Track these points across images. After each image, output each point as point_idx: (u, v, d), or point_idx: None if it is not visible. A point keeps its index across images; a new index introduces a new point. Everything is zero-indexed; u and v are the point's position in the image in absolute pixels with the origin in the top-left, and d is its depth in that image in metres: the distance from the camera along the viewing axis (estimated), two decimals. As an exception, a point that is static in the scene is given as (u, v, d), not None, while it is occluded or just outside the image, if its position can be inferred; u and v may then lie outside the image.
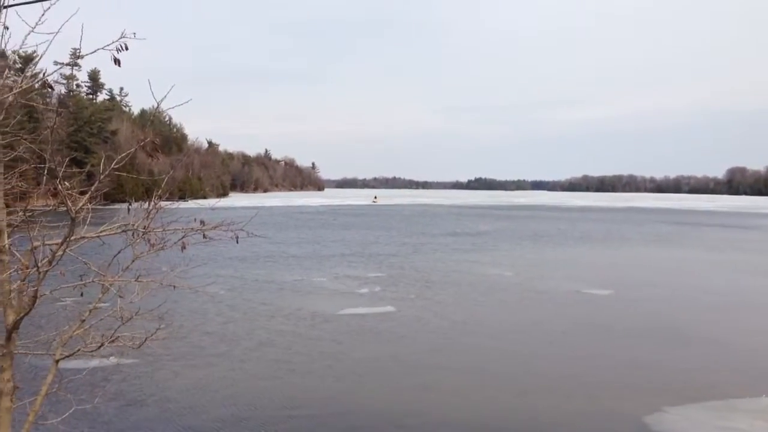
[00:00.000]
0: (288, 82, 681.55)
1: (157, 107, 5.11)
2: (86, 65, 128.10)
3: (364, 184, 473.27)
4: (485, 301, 23.78)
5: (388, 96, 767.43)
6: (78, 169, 6.52)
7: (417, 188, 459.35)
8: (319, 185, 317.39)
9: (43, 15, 4.69)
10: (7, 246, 4.85)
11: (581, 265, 35.85)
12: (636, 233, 61.18)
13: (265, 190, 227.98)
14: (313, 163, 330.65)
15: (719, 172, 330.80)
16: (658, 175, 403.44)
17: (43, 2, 4.76)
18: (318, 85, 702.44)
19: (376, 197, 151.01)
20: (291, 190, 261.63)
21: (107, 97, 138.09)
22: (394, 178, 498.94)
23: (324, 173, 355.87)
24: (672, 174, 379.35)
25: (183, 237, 5.41)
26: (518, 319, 20.87)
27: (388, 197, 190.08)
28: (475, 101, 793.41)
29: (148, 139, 5.45)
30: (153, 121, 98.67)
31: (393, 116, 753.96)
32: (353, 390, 13.59)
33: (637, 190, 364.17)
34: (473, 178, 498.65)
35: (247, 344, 16.90)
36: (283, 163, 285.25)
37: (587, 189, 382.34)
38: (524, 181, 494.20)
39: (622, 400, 13.07)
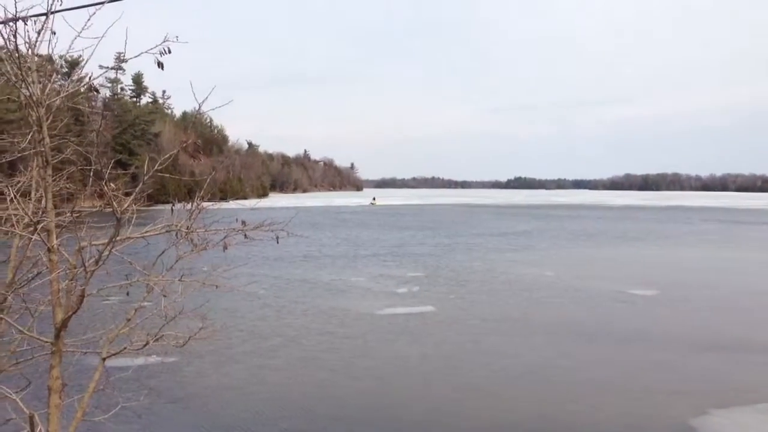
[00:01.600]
0: (328, 82, 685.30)
1: (199, 109, 5.18)
2: (130, 69, 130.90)
3: (403, 183, 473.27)
4: (525, 302, 23.52)
5: (429, 96, 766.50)
6: (123, 171, 6.66)
7: (456, 188, 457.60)
8: (358, 185, 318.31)
9: (89, 20, 4.78)
10: (55, 246, 4.96)
11: (623, 265, 35.21)
12: (680, 232, 59.89)
13: (305, 191, 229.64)
14: (352, 164, 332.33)
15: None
16: (704, 173, 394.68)
17: (89, 7, 4.87)
18: (358, 86, 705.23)
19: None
20: (330, 191, 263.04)
21: (150, 100, 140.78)
22: (433, 177, 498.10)
23: (363, 173, 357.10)
24: (718, 172, 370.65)
25: (225, 237, 5.47)
26: (559, 320, 20.58)
27: (426, 197, 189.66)
28: (515, 100, 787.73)
29: (191, 140, 5.53)
30: (195, 123, 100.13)
31: (432, 116, 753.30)
32: (395, 390, 13.57)
33: (682, 188, 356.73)
34: (513, 178, 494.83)
35: (287, 344, 17.04)
36: (322, 163, 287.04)
37: (630, 188, 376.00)
38: (565, 180, 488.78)
39: (667, 403, 12.79)
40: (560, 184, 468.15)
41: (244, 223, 5.50)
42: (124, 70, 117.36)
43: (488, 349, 16.84)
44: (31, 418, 4.87)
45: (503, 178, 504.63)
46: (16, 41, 4.56)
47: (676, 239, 52.13)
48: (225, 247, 5.38)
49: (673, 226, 68.24)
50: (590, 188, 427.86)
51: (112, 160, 6.13)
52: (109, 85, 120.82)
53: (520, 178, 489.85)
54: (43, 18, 4.71)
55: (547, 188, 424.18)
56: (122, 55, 5.29)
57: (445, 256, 38.10)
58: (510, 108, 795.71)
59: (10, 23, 4.45)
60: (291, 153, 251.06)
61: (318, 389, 13.49)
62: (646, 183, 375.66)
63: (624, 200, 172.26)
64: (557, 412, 12.36)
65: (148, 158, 5.40)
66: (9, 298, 5.84)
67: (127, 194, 5.29)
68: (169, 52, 4.86)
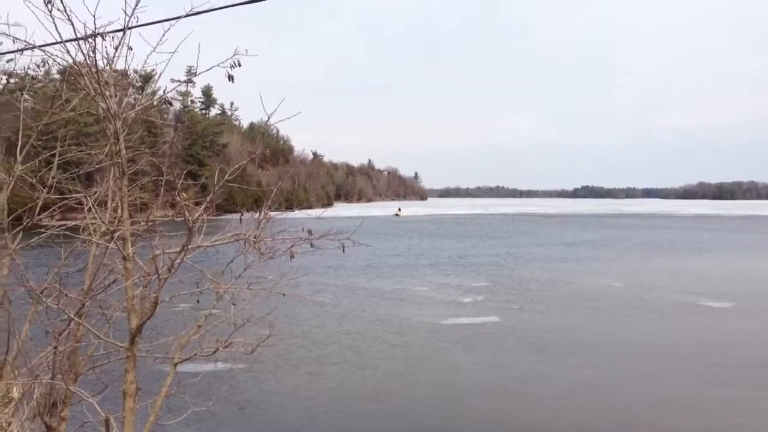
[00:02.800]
0: (392, 91, 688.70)
1: (268, 120, 5.27)
2: (200, 81, 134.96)
3: (467, 193, 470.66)
4: (591, 313, 22.95)
5: (494, 105, 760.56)
6: (193, 182, 6.84)
7: (521, 197, 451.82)
8: (422, 195, 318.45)
9: (163, 35, 4.94)
10: (131, 254, 5.12)
11: (696, 276, 33.95)
12: (757, 242, 57.39)
13: (369, 200, 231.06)
14: (416, 173, 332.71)
15: None
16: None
17: (163, 23, 5.03)
18: (422, 95, 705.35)
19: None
20: (394, 200, 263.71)
21: (219, 112, 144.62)
22: (498, 187, 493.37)
23: (427, 183, 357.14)
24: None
25: (291, 246, 5.54)
26: (629, 333, 19.97)
27: (489, 206, 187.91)
28: (582, 108, 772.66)
29: (259, 150, 5.63)
30: (263, 134, 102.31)
31: (497, 125, 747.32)
32: (452, 401, 13.44)
33: (759, 197, 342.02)
34: (580, 186, 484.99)
35: (353, 353, 17.12)
36: (386, 173, 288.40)
37: (703, 196, 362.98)
38: (634, 189, 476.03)
39: (747, 425, 12.23)
40: (629, 193, 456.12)
41: (310, 232, 5.56)
42: (194, 84, 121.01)
43: (552, 359, 16.49)
44: (107, 420, 5.03)
45: (570, 187, 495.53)
46: (95, 56, 4.75)
47: (752, 250, 49.97)
48: (292, 256, 5.45)
49: (749, 237, 65.50)
50: (661, 197, 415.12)
51: (184, 171, 6.31)
52: (180, 98, 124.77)
53: (587, 186, 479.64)
54: (119, 34, 4.90)
55: (615, 197, 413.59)
56: (193, 68, 5.43)
57: (509, 266, 37.61)
58: (577, 115, 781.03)
59: (90, 39, 4.64)
60: (355, 162, 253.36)
61: (388, 401, 13.48)
62: (721, 192, 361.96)
63: (697, 209, 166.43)
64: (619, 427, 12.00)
65: (218, 169, 5.51)
66: (87, 304, 6.07)
67: (198, 204, 5.42)
68: (239, 65, 4.98)
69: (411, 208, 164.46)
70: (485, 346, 17.90)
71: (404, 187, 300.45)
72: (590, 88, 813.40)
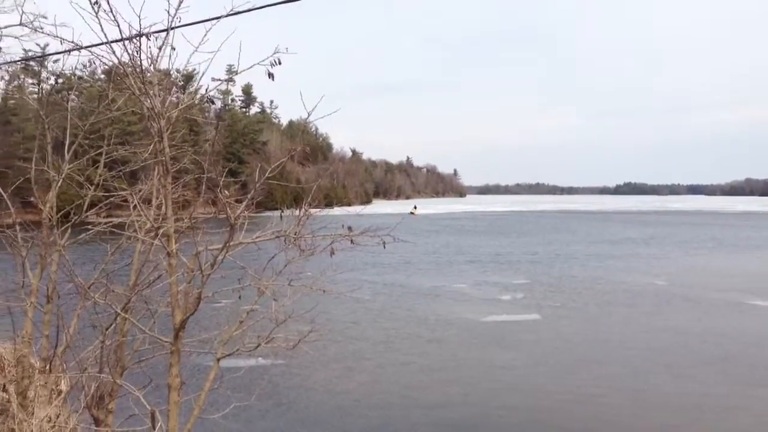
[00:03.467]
0: (431, 89, 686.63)
1: (308, 117, 5.31)
2: (240, 80, 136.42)
3: (506, 190, 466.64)
4: (636, 311, 22.53)
5: (533, 101, 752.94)
6: (233, 179, 6.92)
7: (561, 194, 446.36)
8: (460, 192, 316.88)
9: (205, 35, 5.01)
10: (174, 250, 5.21)
11: (740, 274, 33.08)
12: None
13: (407, 197, 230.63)
14: (455, 170, 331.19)
15: None
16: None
17: (205, 23, 5.10)
18: (461, 92, 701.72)
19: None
20: (432, 197, 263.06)
21: (258, 110, 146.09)
22: (538, 184, 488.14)
23: (466, 180, 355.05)
24: None
25: (332, 243, 5.56)
26: (670, 332, 19.55)
27: (528, 203, 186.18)
28: (624, 103, 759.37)
29: (300, 148, 5.67)
30: (304, 131, 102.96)
31: (537, 121, 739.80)
32: (497, 398, 13.36)
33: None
34: (622, 183, 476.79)
35: (389, 350, 17.14)
36: (425, 170, 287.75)
37: (751, 193, 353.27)
38: (678, 185, 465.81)
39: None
40: (673, 190, 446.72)
41: (350, 228, 5.57)
42: (234, 82, 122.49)
43: (592, 358, 16.25)
44: (153, 414, 5.13)
45: (612, 184, 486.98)
46: (140, 56, 4.83)
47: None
48: (332, 253, 5.47)
49: (800, 234, 63.56)
50: (707, 194, 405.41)
51: (226, 169, 6.39)
52: (221, 96, 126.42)
53: (630, 183, 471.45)
54: (163, 34, 4.98)
55: (659, 194, 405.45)
56: (233, 67, 5.49)
57: (548, 263, 37.20)
58: (619, 111, 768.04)
59: (135, 39, 4.73)
60: (394, 160, 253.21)
61: (425, 397, 13.48)
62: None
63: (744, 206, 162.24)
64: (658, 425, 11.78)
65: (259, 166, 5.57)
66: (132, 299, 6.19)
67: (239, 201, 5.49)
68: (280, 63, 5.01)
69: (453, 205, 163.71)
70: (525, 344, 17.74)
71: (443, 184, 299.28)
72: (633, 85, 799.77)
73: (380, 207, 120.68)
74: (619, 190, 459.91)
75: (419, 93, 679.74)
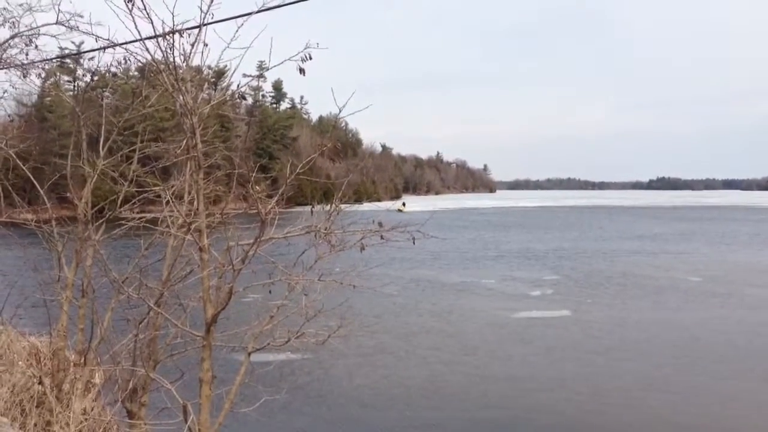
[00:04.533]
0: (460, 83, 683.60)
1: (339, 113, 5.31)
2: (270, 76, 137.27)
3: (537, 185, 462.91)
4: (668, 308, 22.16)
5: (563, 95, 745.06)
6: (264, 175, 6.95)
7: (593, 189, 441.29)
8: (490, 187, 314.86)
9: (237, 31, 5.03)
10: (206, 245, 5.26)
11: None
12: None
13: (437, 193, 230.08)
14: (485, 165, 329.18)
15: None
16: None
17: (237, 19, 5.13)
18: (490, 86, 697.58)
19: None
20: (462, 192, 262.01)
21: (289, 106, 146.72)
22: (569, 179, 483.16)
23: (496, 175, 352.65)
24: None
25: (362, 238, 5.57)
26: (702, 329, 19.18)
27: (558, 198, 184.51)
28: (657, 97, 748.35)
29: (331, 143, 5.67)
30: (334, 127, 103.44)
31: (567, 115, 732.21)
32: (528, 395, 13.27)
33: None
34: (655, 178, 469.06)
35: (422, 346, 17.12)
36: (454, 165, 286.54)
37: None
38: (714, 180, 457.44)
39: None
40: (708, 184, 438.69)
41: (380, 224, 5.57)
42: (265, 78, 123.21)
43: (624, 356, 16.04)
44: (185, 407, 5.19)
45: (645, 179, 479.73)
46: (173, 53, 4.88)
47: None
48: (362, 248, 5.48)
49: (840, 230, 61.94)
50: (743, 188, 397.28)
51: (257, 165, 6.42)
52: (252, 92, 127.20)
53: (663, 178, 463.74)
54: (195, 31, 5.02)
55: (693, 189, 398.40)
56: (264, 63, 5.50)
57: (579, 259, 36.79)
58: (651, 104, 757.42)
59: (168, 36, 4.77)
60: (424, 155, 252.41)
61: (455, 394, 13.45)
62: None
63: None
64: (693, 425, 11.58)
65: (290, 162, 5.59)
66: (165, 294, 6.27)
67: (269, 197, 5.51)
68: (310, 58, 5.02)
69: (482, 200, 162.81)
70: (556, 341, 17.57)
71: (473, 180, 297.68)
72: (666, 77, 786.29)
73: (411, 202, 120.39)
74: (652, 185, 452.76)
75: (450, 87, 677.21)
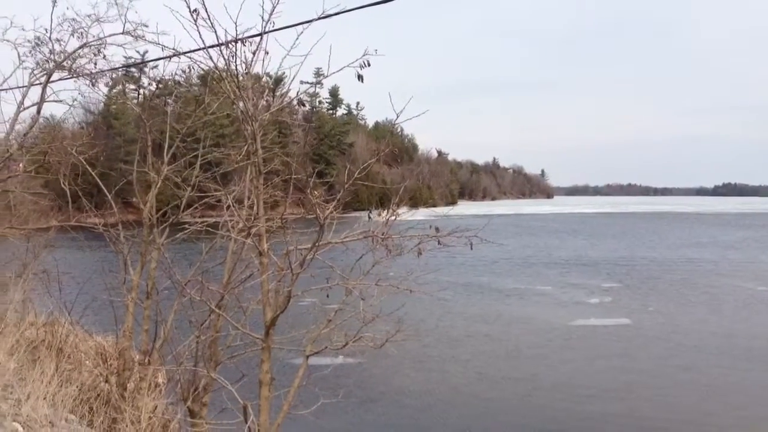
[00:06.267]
0: (517, 89, 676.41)
1: (396, 119, 5.32)
2: (328, 82, 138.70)
3: (596, 191, 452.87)
4: (732, 316, 21.40)
5: (624, 99, 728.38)
6: (321, 180, 7.04)
7: (654, 195, 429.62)
8: (548, 193, 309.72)
9: (297, 39, 5.11)
10: (266, 249, 5.35)
11: None
12: None
13: (493, 198, 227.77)
14: (542, 171, 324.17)
15: None
16: None
17: (296, 27, 5.21)
18: (548, 92, 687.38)
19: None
20: (519, 198, 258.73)
21: (345, 112, 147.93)
22: (629, 184, 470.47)
23: (553, 180, 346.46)
24: None
25: (419, 243, 5.56)
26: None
27: (617, 204, 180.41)
28: (722, 100, 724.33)
29: (387, 149, 5.70)
30: (390, 133, 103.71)
31: (628, 120, 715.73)
32: (587, 403, 13.01)
33: None
34: (721, 184, 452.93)
35: (477, 352, 16.99)
36: (511, 170, 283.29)
37: None
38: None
39: None
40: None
41: (437, 229, 5.56)
42: (322, 85, 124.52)
43: (687, 364, 15.55)
44: (245, 408, 5.29)
45: (710, 185, 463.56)
46: (235, 61, 4.99)
47: None
48: (419, 253, 5.48)
49: None
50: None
51: (315, 171, 6.51)
52: (309, 98, 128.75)
53: (729, 184, 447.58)
54: (257, 39, 5.12)
55: (761, 195, 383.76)
56: (321, 70, 5.59)
57: (637, 266, 35.86)
58: (716, 109, 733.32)
59: (231, 44, 4.89)
60: (480, 161, 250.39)
61: (509, 401, 13.31)
62: None
63: None
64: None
65: (348, 168, 5.64)
66: (225, 296, 6.41)
67: (327, 202, 5.57)
68: (369, 65, 5.06)
69: (540, 207, 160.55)
70: (616, 349, 17.18)
71: (530, 185, 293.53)
72: (733, 81, 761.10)
73: (467, 208, 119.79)
74: (717, 191, 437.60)
75: (507, 92, 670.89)
